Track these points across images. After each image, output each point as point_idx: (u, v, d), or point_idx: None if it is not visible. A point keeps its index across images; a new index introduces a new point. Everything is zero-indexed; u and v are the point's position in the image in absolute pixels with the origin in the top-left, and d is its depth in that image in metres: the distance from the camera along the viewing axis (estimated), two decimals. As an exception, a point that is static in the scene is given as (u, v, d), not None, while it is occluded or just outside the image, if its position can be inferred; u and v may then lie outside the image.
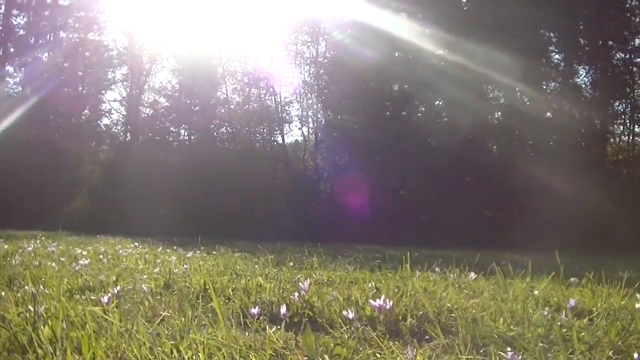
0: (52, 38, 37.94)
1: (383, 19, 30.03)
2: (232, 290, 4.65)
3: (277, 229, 25.76)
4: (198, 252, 10.22)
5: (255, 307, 3.61)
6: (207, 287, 4.60)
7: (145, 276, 5.55)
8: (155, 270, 6.15)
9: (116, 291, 3.84)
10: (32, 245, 10.07)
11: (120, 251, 9.83)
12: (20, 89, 38.24)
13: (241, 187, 33.15)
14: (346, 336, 3.15)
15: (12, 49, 38.15)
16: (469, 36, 27.63)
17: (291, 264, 7.62)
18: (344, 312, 3.55)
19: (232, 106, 40.15)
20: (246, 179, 33.52)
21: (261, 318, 3.59)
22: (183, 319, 3.28)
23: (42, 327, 2.88)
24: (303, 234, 24.69)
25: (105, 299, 3.57)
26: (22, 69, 38.25)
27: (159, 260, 8.02)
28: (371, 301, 3.69)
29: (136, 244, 13.13)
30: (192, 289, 4.63)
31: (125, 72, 41.68)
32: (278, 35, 38.57)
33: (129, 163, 35.93)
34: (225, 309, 3.93)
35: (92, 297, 4.09)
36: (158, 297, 4.27)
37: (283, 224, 28.81)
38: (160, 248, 11.41)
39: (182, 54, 39.53)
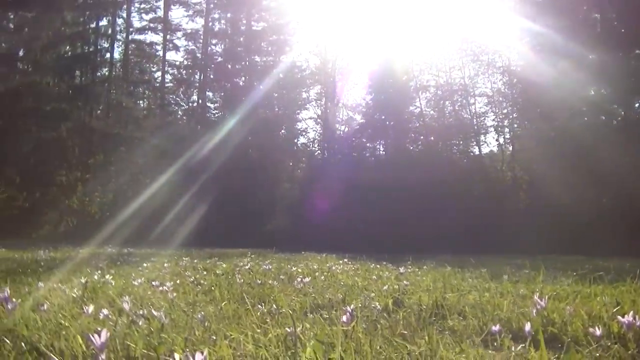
0: (247, 63, 42.23)
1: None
2: (465, 307, 4.80)
3: (471, 240, 27.14)
4: (409, 267, 10.72)
5: (495, 325, 3.73)
6: (439, 304, 4.77)
7: (372, 294, 5.80)
8: (384, 287, 6.40)
9: (350, 310, 3.89)
10: (248, 264, 10.93)
11: (333, 268, 10.39)
12: (220, 113, 43.14)
13: (438, 200, 34.50)
14: (597, 354, 3.24)
15: (211, 76, 42.93)
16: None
17: (505, 276, 7.98)
18: (590, 329, 3.57)
19: (427, 119, 42.12)
20: (443, 192, 34.84)
21: (502, 335, 3.63)
22: (426, 337, 3.45)
23: (300, 347, 3.07)
24: (499, 244, 25.58)
25: (344, 318, 3.63)
26: (222, 93, 42.96)
27: (374, 277, 8.38)
28: (620, 317, 3.66)
29: (345, 260, 13.89)
30: (424, 307, 4.78)
31: (318, 91, 45.67)
32: (468, 45, 40.10)
33: (325, 180, 38.88)
34: (461, 327, 4.09)
35: (325, 316, 4.29)
36: (392, 315, 4.39)
37: (478, 235, 29.92)
38: (373, 264, 11.81)
39: (374, 70, 42.03)
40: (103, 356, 2.79)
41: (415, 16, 40.23)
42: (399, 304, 4.99)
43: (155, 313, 3.89)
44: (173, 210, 33.42)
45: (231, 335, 3.38)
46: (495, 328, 3.63)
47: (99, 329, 3.17)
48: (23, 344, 3.08)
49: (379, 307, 4.73)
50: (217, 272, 8.80)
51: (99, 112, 42.64)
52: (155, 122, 42.82)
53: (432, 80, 43.30)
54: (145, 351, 3.00)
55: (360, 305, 4.82)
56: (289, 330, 3.33)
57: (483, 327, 3.92)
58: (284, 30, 43.50)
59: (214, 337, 3.34)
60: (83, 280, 6.03)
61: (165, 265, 9.90)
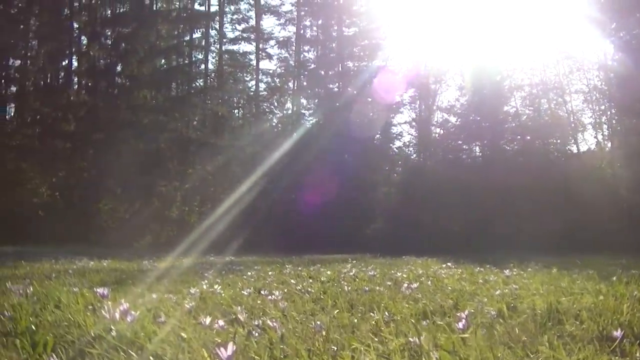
0: (340, 68, 42.59)
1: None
2: (582, 311, 4.74)
3: (570, 240, 26.61)
4: (514, 270, 10.72)
5: (616, 329, 3.71)
6: (553, 307, 4.72)
7: (485, 299, 5.81)
8: (497, 292, 6.38)
9: (464, 316, 3.93)
10: (353, 270, 11.02)
11: (437, 272, 10.49)
12: (315, 119, 43.69)
13: (536, 199, 34.00)
14: None
15: (304, 83, 43.49)
16: None
17: (614, 278, 7.82)
18: None
19: (523, 119, 41.51)
20: (541, 191, 34.34)
21: (625, 341, 3.60)
22: (547, 343, 3.48)
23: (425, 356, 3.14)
24: (599, 244, 25.20)
25: (460, 325, 3.70)
26: (316, 100, 43.49)
27: (480, 280, 8.46)
28: None
29: (449, 263, 14.00)
30: (538, 311, 4.75)
31: (412, 94, 45.76)
32: (561, 42, 39.29)
33: (422, 183, 38.94)
34: (580, 332, 4.02)
35: (439, 323, 4.26)
36: (507, 321, 4.39)
37: (577, 234, 29.63)
38: (478, 268, 11.83)
39: (467, 71, 41.87)
40: (230, 369, 2.78)
41: (507, 15, 39.74)
42: (512, 308, 4.99)
43: (270, 323, 3.94)
44: (270, 218, 34.08)
45: (352, 345, 3.39)
46: (617, 333, 3.57)
47: (218, 340, 3.41)
48: (152, 357, 3.15)
49: (493, 312, 4.71)
50: (322, 279, 8.90)
51: (195, 122, 44.08)
52: (250, 130, 44.07)
53: (527, 79, 43.04)
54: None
55: (472, 310, 4.83)
56: (411, 339, 3.36)
57: (603, 332, 3.85)
58: (376, 35, 43.88)
59: (334, 348, 3.34)
60: (192, 291, 6.15)
61: (270, 273, 10.05)
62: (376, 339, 3.62)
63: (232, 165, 37.07)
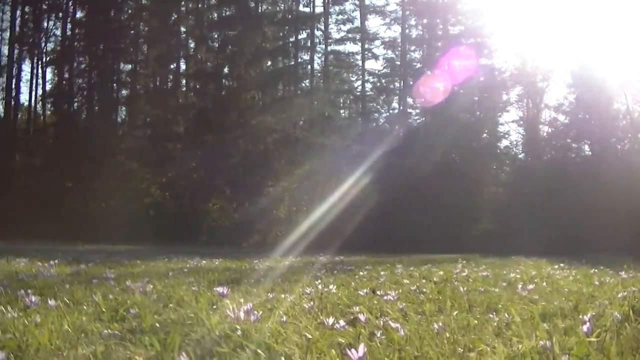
0: (447, 67, 42.64)
1: None
2: None
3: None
4: (630, 272, 10.66)
5: None
6: None
7: (606, 301, 5.62)
8: (620, 295, 6.14)
9: (588, 319, 3.84)
10: (466, 271, 11.01)
11: (550, 273, 10.53)
12: (422, 119, 43.97)
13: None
14: None
15: (411, 82, 43.80)
16: None
17: None
18: None
19: (635, 116, 40.66)
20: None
21: None
22: None
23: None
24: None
25: (585, 328, 3.63)
26: (422, 99, 43.76)
27: (596, 282, 8.40)
28: None
29: (561, 264, 14.08)
30: None
31: (519, 93, 45.69)
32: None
33: (530, 182, 38.56)
34: None
35: (561, 325, 4.23)
36: (634, 325, 4.14)
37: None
38: (594, 270, 11.66)
39: (575, 68, 41.24)
40: (362, 370, 2.80)
41: (616, 10, 38.90)
42: (637, 312, 4.69)
43: (392, 324, 3.93)
44: (376, 217, 34.47)
45: (478, 347, 3.42)
46: None
47: (342, 340, 3.51)
48: (283, 358, 3.21)
49: (617, 315, 4.45)
50: (434, 279, 8.89)
51: (301, 122, 45.13)
52: (357, 130, 44.74)
53: (637, 75, 41.42)
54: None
55: (594, 313, 4.64)
56: (542, 343, 3.32)
57: None
58: (481, 33, 43.80)
59: (460, 350, 3.36)
60: (307, 290, 6.26)
61: (382, 273, 10.00)
62: (500, 341, 3.57)
63: (339, 164, 37.55)
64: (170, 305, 4.96)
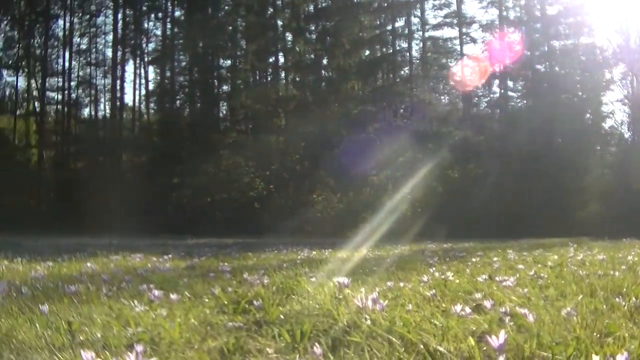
0: (546, 48, 43.16)
1: None
2: None
3: None
4: None
5: None
6: None
7: None
8: None
9: None
10: (581, 255, 11.03)
11: None
12: (523, 101, 45.07)
13: None
14: None
15: (511, 65, 44.42)
16: None
17: None
18: None
19: None
20: None
21: None
22: None
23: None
24: None
25: None
26: (523, 82, 44.35)
27: None
28: None
29: None
30: None
31: (623, 70, 45.45)
32: None
33: (638, 163, 38.74)
34: None
35: None
36: None
37: None
38: None
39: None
40: (502, 358, 2.88)
41: None
42: None
43: (520, 310, 4.01)
44: (481, 203, 35.37)
45: (614, 332, 3.43)
46: None
47: (473, 328, 3.59)
48: (422, 345, 3.22)
49: None
50: (549, 264, 8.89)
51: (402, 110, 45.93)
52: (458, 115, 45.65)
53: None
54: (537, 351, 3.06)
55: None
56: None
57: None
58: (580, 11, 43.72)
59: (598, 335, 3.40)
60: (424, 279, 6.34)
61: (495, 259, 10.08)
62: (634, 327, 3.65)
63: (442, 151, 38.43)
64: (293, 296, 5.02)
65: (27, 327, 3.78)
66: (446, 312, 4.08)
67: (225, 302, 4.69)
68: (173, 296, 4.73)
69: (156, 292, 4.84)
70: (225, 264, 9.11)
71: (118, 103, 51.01)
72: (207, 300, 4.88)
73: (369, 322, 3.62)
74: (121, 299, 4.79)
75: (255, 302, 4.50)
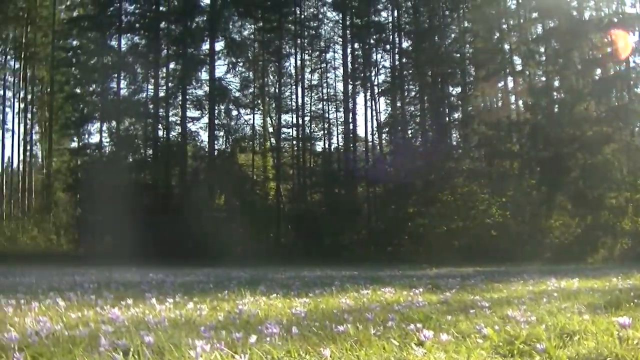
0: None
1: None
2: None
3: None
4: None
5: None
6: None
7: None
8: None
9: None
10: None
11: None
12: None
13: None
14: None
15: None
16: None
17: None
18: None
19: None
20: None
21: None
22: None
23: None
24: None
25: None
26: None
27: None
28: None
29: None
30: None
31: None
32: None
33: None
34: None
35: None
36: None
37: None
38: None
39: None
40: None
41: None
42: None
43: None
44: None
45: None
46: None
47: None
48: None
49: None
50: None
51: (637, 129, 45.80)
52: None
53: None
54: None
55: None
56: None
57: None
58: None
59: None
60: None
61: None
62: None
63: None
64: (571, 336, 4.85)
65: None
66: None
67: (500, 343, 4.66)
68: (443, 337, 4.62)
69: (426, 333, 4.67)
70: (478, 296, 9.00)
71: (351, 135, 53.79)
72: (480, 340, 4.73)
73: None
74: (391, 339, 4.75)
75: (529, 342, 4.55)
